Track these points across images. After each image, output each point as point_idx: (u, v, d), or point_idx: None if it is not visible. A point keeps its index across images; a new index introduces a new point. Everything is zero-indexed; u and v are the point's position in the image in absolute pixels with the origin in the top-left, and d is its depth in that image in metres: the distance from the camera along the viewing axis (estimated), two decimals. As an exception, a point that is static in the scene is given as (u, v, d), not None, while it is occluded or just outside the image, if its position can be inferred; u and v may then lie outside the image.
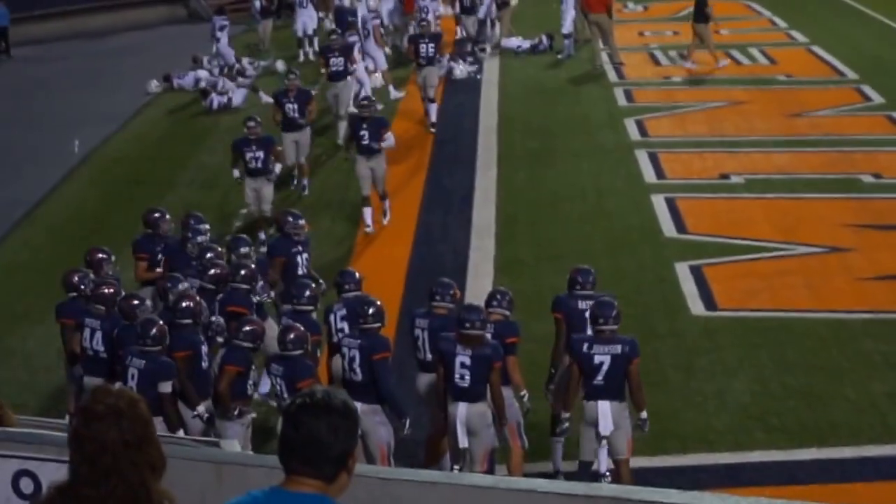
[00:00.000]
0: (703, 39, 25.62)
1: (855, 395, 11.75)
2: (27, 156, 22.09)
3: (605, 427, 9.62)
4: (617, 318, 9.78)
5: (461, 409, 9.71)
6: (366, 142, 16.35)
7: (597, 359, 9.63)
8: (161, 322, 10.19)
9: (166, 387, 9.86)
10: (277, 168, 16.63)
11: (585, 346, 9.70)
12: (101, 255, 12.03)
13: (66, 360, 11.31)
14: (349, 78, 21.20)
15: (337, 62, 20.73)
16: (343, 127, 20.16)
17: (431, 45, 21.69)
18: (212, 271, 11.70)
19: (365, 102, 17.15)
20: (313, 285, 11.50)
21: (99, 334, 10.85)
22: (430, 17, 25.34)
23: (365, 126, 16.40)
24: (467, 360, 9.63)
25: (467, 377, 9.65)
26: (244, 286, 11.49)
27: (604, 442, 9.97)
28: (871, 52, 26.78)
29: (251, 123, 16.47)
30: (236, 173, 16.55)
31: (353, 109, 19.61)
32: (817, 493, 9.87)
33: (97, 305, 11.02)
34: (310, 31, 28.40)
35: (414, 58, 22.01)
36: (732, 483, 10.23)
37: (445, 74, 24.95)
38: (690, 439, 11.05)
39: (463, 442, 9.71)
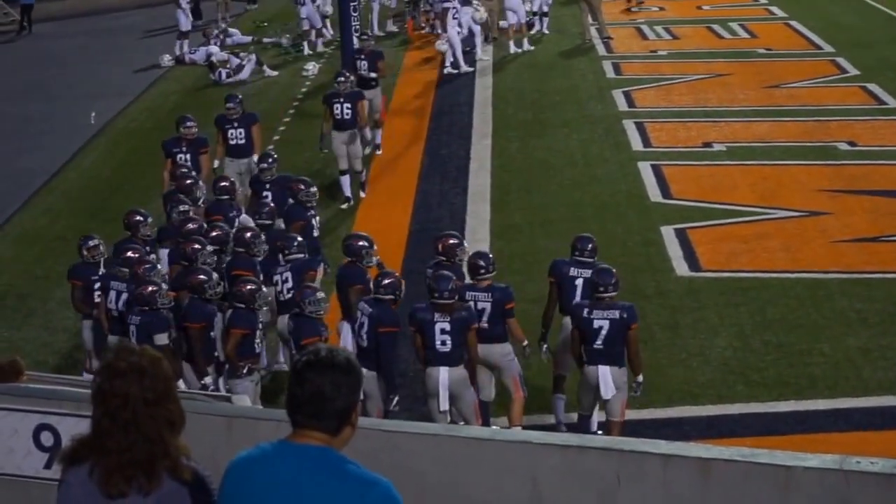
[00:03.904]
0: None
1: (831, 350, 11.75)
2: (47, 127, 22.03)
3: (607, 391, 9.57)
4: (616, 286, 9.71)
5: (443, 374, 9.60)
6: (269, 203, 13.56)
7: (596, 323, 9.57)
8: (157, 284, 10.18)
9: (162, 339, 9.86)
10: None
11: (585, 311, 9.64)
12: (138, 218, 12.03)
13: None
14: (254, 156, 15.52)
15: (237, 134, 15.80)
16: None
17: (348, 105, 16.41)
18: (213, 233, 11.71)
19: (265, 166, 14.02)
20: (300, 239, 11.56)
21: (124, 296, 10.82)
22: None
23: (268, 187, 13.86)
24: (447, 326, 9.54)
25: (448, 342, 9.55)
26: (244, 249, 11.47)
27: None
28: (846, 27, 26.68)
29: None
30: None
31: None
32: (795, 443, 9.84)
33: (122, 269, 11.00)
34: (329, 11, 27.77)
35: (328, 119, 16.59)
36: (715, 434, 10.24)
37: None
38: (676, 393, 11.05)
39: (444, 405, 9.60)
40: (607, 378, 9.56)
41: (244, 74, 24.53)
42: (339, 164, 16.71)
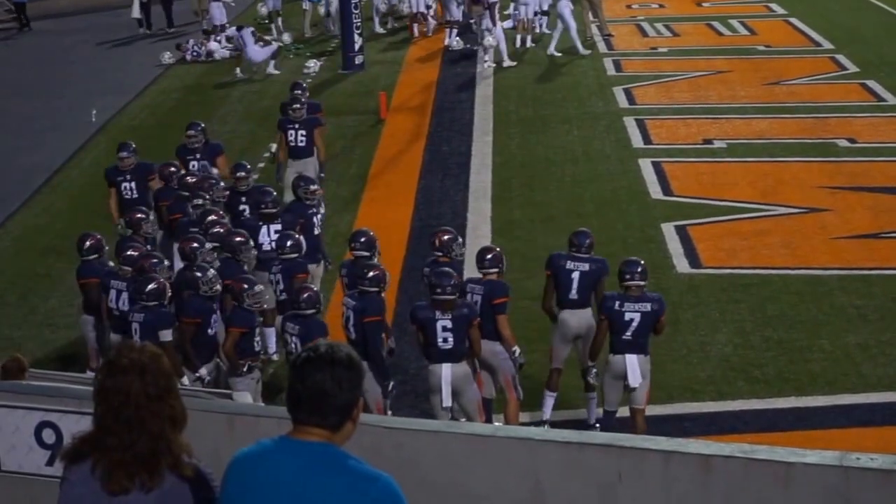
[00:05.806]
0: None
1: (830, 346, 11.75)
2: (48, 125, 22.02)
3: (635, 379, 9.61)
4: (643, 275, 9.72)
5: (446, 371, 9.58)
6: (245, 217, 12.95)
7: (627, 315, 9.58)
8: (160, 280, 10.16)
9: (167, 335, 9.84)
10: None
11: (617, 303, 9.63)
12: (139, 215, 12.01)
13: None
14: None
15: (199, 167, 14.16)
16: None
17: (303, 132, 15.18)
18: (213, 230, 11.61)
19: (242, 174, 13.17)
20: (296, 237, 11.49)
21: (125, 295, 10.78)
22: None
23: (244, 200, 13.11)
24: (448, 324, 9.50)
25: (450, 339, 9.52)
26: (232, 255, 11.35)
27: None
28: (845, 24, 26.70)
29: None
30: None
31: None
32: (795, 439, 9.87)
33: (124, 267, 10.98)
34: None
35: (282, 146, 15.34)
36: (715, 430, 10.24)
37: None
38: (676, 389, 11.05)
39: (447, 401, 9.59)
40: (635, 367, 9.60)
41: (270, 68, 24.52)
42: (285, 196, 14.16)
